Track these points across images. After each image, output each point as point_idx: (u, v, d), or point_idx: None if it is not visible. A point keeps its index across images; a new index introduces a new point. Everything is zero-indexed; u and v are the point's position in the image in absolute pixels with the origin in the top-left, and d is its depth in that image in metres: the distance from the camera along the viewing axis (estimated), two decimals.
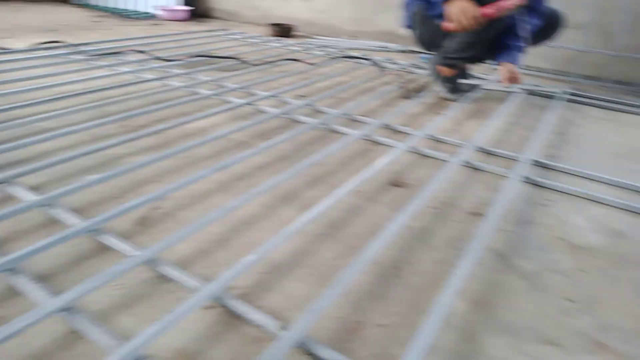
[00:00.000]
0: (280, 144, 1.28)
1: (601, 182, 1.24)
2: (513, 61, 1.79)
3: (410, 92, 1.96)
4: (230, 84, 1.83)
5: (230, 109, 1.53)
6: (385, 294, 0.76)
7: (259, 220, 0.95)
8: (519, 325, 0.71)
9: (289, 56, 2.45)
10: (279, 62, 2.26)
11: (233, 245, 0.86)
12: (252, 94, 1.76)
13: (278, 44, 2.86)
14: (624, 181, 1.22)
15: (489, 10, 1.58)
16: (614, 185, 1.23)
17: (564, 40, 2.54)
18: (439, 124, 1.58)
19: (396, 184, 1.14)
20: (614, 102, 2.07)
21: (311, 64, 2.25)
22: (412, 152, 1.35)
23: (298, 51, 2.71)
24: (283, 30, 3.34)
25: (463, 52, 1.80)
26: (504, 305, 0.75)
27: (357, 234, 0.92)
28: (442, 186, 1.15)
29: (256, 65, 2.19)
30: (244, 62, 2.22)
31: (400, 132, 1.51)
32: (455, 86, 1.91)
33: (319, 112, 1.64)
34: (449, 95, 1.90)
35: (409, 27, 1.96)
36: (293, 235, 0.85)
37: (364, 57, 2.47)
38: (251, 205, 0.99)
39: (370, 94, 1.87)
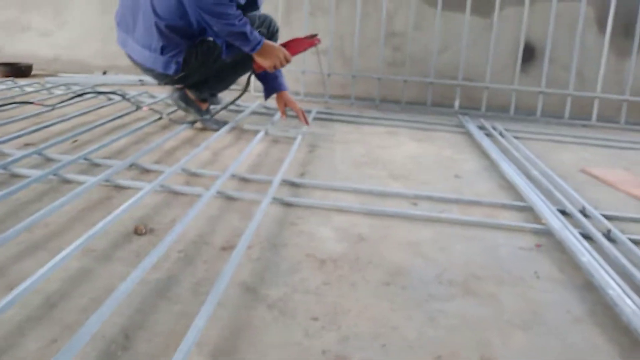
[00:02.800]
0: None
1: (345, 191, 1.34)
2: (285, 88, 1.96)
3: (175, 121, 1.89)
4: None
5: None
6: None
7: None
8: None
9: (20, 99, 2.08)
10: (4, 107, 1.89)
11: None
12: None
13: (7, 86, 2.41)
14: (363, 187, 1.34)
15: (293, 49, 1.77)
16: (356, 192, 1.33)
17: (313, 66, 2.78)
18: (197, 156, 1.51)
19: (139, 232, 1.01)
20: (357, 117, 2.33)
21: (47, 105, 1.94)
22: (163, 191, 1.24)
23: (34, 92, 2.33)
24: (16, 70, 2.85)
25: (219, 86, 1.91)
26: (249, 346, 0.70)
27: (80, 307, 0.76)
28: (194, 224, 1.06)
29: None
30: None
31: (150, 170, 1.38)
32: (213, 117, 1.88)
33: (50, 160, 1.39)
34: (210, 126, 1.86)
35: (178, 70, 1.73)
36: None
37: (112, 92, 2.25)
38: None
39: (120, 132, 1.69)
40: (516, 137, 2.08)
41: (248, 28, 1.61)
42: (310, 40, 1.83)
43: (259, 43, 1.65)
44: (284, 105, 1.99)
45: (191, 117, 1.87)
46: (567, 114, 2.58)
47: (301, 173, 1.46)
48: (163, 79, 1.80)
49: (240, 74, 1.91)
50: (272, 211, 1.16)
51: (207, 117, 1.88)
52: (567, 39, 2.64)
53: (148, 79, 2.79)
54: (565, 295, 0.89)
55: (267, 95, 2.01)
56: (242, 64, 1.79)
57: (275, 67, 1.73)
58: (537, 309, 0.84)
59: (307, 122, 1.97)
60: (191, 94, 1.84)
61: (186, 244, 0.98)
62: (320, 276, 0.90)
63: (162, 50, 1.67)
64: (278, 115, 2.09)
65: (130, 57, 1.81)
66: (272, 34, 1.88)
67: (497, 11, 2.57)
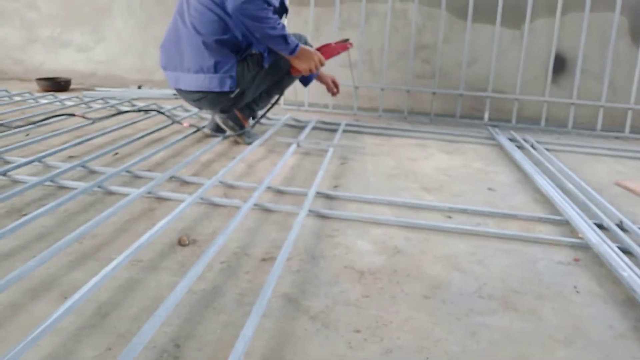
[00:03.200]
0: (37, 219, 1.07)
1: (379, 203, 1.35)
2: (318, 72, 2.04)
3: (210, 135, 1.96)
4: None
5: None
6: None
7: (1, 326, 0.75)
8: None
9: (62, 112, 2.17)
10: (48, 121, 1.97)
11: None
12: (7, 162, 1.47)
13: (49, 100, 2.52)
14: (396, 199, 1.35)
15: (327, 54, 1.86)
16: (390, 205, 1.34)
17: (343, 78, 2.81)
18: (233, 169, 1.55)
19: (182, 243, 1.05)
20: (386, 129, 2.34)
21: (88, 118, 2.02)
22: (203, 203, 1.28)
23: (74, 106, 2.42)
24: (56, 85, 2.98)
25: (266, 101, 1.98)
26: (294, 356, 0.71)
27: (131, 316, 0.79)
28: (234, 235, 1.09)
29: (16, 127, 1.87)
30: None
31: (189, 182, 1.42)
32: (250, 130, 1.93)
33: (94, 172, 1.45)
34: (244, 140, 1.90)
35: (233, 85, 1.74)
36: (44, 337, 0.68)
37: (150, 106, 2.33)
38: None
39: (158, 145, 1.75)
40: (548, 150, 2.05)
41: (286, 32, 1.69)
42: (342, 45, 1.93)
43: (297, 46, 1.72)
44: (330, 79, 2.16)
45: (229, 132, 1.92)
46: (599, 125, 2.53)
47: (334, 185, 1.49)
48: (219, 102, 1.79)
49: (284, 86, 1.98)
50: (308, 223, 1.18)
51: (245, 130, 1.93)
52: (599, 50, 2.60)
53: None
54: (606, 311, 0.88)
55: (307, 82, 2.14)
56: (282, 75, 1.87)
57: (311, 71, 1.80)
58: (578, 323, 0.83)
59: (337, 91, 2.18)
60: (239, 113, 1.89)
61: (228, 255, 1.01)
62: (359, 288, 0.91)
63: (216, 67, 1.70)
64: (309, 127, 2.13)
65: (184, 92, 1.81)
66: (305, 44, 1.94)
67: (527, 23, 2.55)
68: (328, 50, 1.89)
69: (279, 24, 1.65)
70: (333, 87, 2.18)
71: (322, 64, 1.82)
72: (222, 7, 1.66)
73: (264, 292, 0.80)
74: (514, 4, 2.63)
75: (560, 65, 2.69)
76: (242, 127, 1.90)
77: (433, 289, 0.92)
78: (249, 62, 1.76)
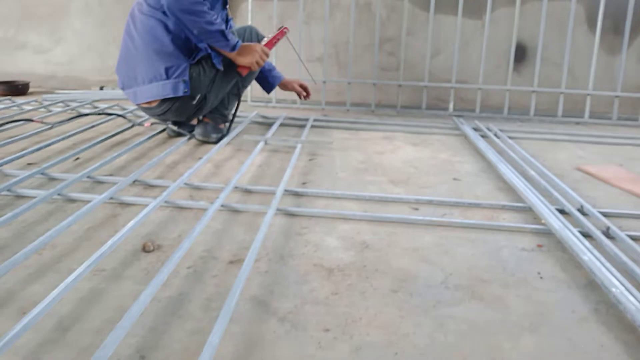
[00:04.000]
0: None
1: (348, 198, 1.35)
2: (282, 76, 2.13)
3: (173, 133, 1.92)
4: None
5: None
6: None
7: None
8: None
9: (20, 117, 2.08)
10: (4, 127, 1.89)
11: None
12: None
13: (5, 105, 2.41)
14: (364, 194, 1.36)
15: (268, 44, 1.83)
16: (358, 199, 1.35)
17: (307, 75, 2.80)
18: (199, 170, 1.52)
19: (147, 249, 1.02)
20: (354, 123, 2.35)
21: (46, 123, 1.95)
22: (168, 206, 1.25)
23: (32, 110, 2.33)
24: (14, 88, 2.86)
25: (232, 103, 1.95)
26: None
27: (94, 328, 0.77)
28: (200, 239, 1.07)
29: None
30: None
31: (153, 186, 1.39)
32: (216, 131, 1.90)
33: (53, 179, 1.40)
34: (210, 138, 1.87)
35: (187, 90, 1.69)
36: (1, 357, 0.65)
37: (111, 108, 2.26)
38: None
39: (120, 148, 1.70)
40: (511, 137, 2.10)
41: (224, 27, 1.66)
42: (280, 32, 1.93)
43: (237, 42, 1.69)
44: (297, 84, 2.18)
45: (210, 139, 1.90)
46: (560, 112, 2.61)
47: (303, 182, 1.48)
48: (184, 110, 1.76)
49: (241, 87, 1.94)
50: (277, 222, 1.18)
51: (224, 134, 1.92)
52: (558, 38, 2.67)
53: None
54: (569, 295, 0.91)
55: (270, 88, 2.13)
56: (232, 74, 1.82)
57: (257, 64, 1.75)
58: (543, 310, 0.86)
59: (308, 96, 2.22)
60: (211, 119, 1.88)
61: (194, 260, 0.99)
62: (329, 286, 0.91)
63: (167, 73, 1.66)
64: (277, 124, 2.12)
65: (147, 109, 1.77)
66: (257, 35, 1.93)
67: (488, 13, 2.60)
68: (268, 42, 1.86)
69: (216, 19, 1.62)
70: (302, 91, 2.18)
71: (266, 55, 1.77)
72: (162, 10, 1.62)
73: (231, 295, 0.79)
74: None
75: (521, 54, 2.76)
76: (220, 131, 1.89)
77: (401, 282, 0.93)
78: (204, 66, 1.71)
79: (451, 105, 2.71)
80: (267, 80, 2.09)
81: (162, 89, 1.67)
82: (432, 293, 0.90)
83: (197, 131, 1.87)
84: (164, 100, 1.70)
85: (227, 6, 1.85)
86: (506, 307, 0.86)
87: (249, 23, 2.60)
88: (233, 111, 1.97)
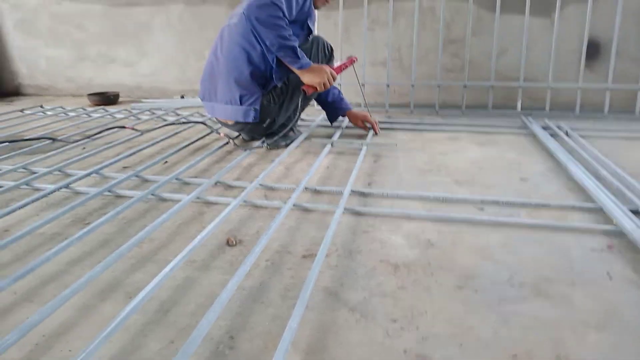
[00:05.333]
0: (100, 227, 1.19)
1: (412, 198, 1.40)
2: (351, 107, 2.21)
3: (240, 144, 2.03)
4: (40, 168, 1.66)
5: (39, 198, 1.38)
6: None
7: (75, 326, 0.85)
8: None
9: (113, 125, 2.33)
10: (101, 134, 2.13)
11: None
12: (68, 175, 1.62)
13: (100, 114, 2.70)
14: (428, 194, 1.40)
15: (337, 69, 1.91)
16: (422, 199, 1.39)
17: (373, 77, 2.88)
18: (272, 171, 1.63)
19: (230, 243, 1.14)
20: (418, 124, 2.37)
21: (138, 130, 2.17)
22: (246, 205, 1.37)
23: (124, 118, 2.59)
24: (106, 99, 3.17)
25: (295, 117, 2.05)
26: (336, 345, 0.79)
27: (189, 312, 0.89)
28: (276, 235, 1.18)
29: (74, 141, 2.03)
30: (58, 140, 2.05)
31: (233, 186, 1.52)
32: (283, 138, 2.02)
33: (146, 181, 1.57)
34: (279, 144, 1.99)
35: (257, 117, 1.84)
36: (113, 335, 0.78)
37: (192, 116, 2.46)
38: (64, 311, 0.88)
39: (202, 153, 1.86)
40: (583, 136, 2.03)
41: (297, 44, 1.74)
42: (349, 60, 2.02)
43: (308, 63, 1.77)
44: (361, 120, 2.19)
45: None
46: (638, 109, 2.47)
47: (368, 183, 1.55)
48: (256, 131, 1.95)
49: (303, 105, 2.05)
50: (344, 220, 1.25)
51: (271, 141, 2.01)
52: (634, 32, 2.53)
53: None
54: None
55: (334, 118, 2.22)
56: (297, 96, 1.93)
57: (324, 85, 1.81)
58: (611, 309, 0.86)
59: (377, 132, 2.17)
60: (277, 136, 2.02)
61: (271, 254, 1.09)
62: (395, 281, 0.97)
63: (241, 100, 1.82)
64: (342, 127, 2.20)
65: (224, 123, 1.97)
66: (329, 57, 2.01)
67: (557, 10, 2.52)
68: (337, 67, 1.94)
69: (291, 35, 1.71)
70: (366, 128, 2.18)
71: (334, 78, 1.84)
72: (248, 39, 1.75)
73: (306, 286, 0.88)
74: None
75: (594, 50, 2.64)
76: (289, 138, 2.02)
77: (466, 279, 0.97)
78: (273, 94, 1.85)
79: (519, 104, 2.65)
80: (336, 107, 2.18)
81: (235, 113, 1.85)
82: (497, 290, 0.93)
83: (268, 141, 2.00)
84: (238, 122, 1.89)
85: (311, 34, 1.93)
86: (572, 305, 0.88)
87: (315, 32, 2.70)
88: (294, 121, 2.08)
